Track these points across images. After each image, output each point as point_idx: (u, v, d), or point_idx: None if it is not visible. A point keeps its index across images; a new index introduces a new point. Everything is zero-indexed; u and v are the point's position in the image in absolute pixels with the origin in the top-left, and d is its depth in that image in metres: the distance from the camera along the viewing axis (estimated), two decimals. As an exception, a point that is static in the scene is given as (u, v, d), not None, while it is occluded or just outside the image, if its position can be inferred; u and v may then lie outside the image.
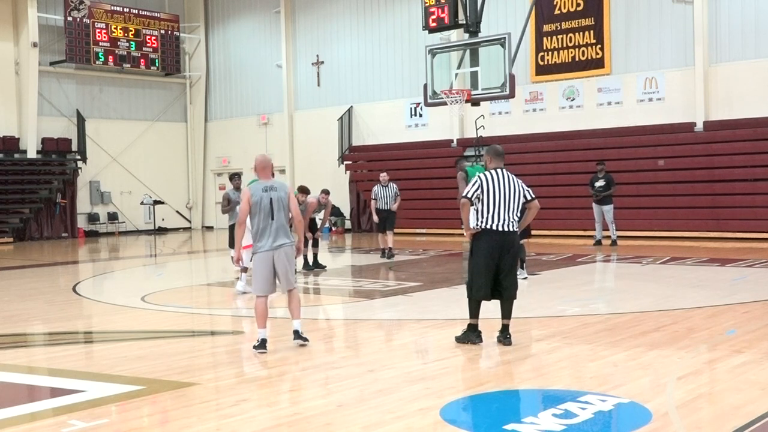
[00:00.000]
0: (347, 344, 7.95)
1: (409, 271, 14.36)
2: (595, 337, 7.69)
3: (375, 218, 16.07)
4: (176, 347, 8.01)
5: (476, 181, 7.43)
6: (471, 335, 7.44)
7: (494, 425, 5.09)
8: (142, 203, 28.15)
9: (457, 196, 11.17)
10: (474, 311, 7.49)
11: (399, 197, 16.10)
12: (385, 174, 16.38)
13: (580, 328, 8.15)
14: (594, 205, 17.91)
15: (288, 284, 7.52)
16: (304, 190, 13.71)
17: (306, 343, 7.49)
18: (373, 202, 16.16)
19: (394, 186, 16.12)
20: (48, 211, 26.19)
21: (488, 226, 7.35)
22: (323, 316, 9.76)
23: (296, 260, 7.85)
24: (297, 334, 7.50)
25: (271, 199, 7.35)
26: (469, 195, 7.38)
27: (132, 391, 6.09)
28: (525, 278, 11.63)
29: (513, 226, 7.43)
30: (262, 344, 7.30)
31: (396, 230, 17.31)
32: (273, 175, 7.77)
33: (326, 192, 14.78)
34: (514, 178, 7.51)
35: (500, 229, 7.35)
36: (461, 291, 8.99)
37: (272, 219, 7.35)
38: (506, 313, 7.48)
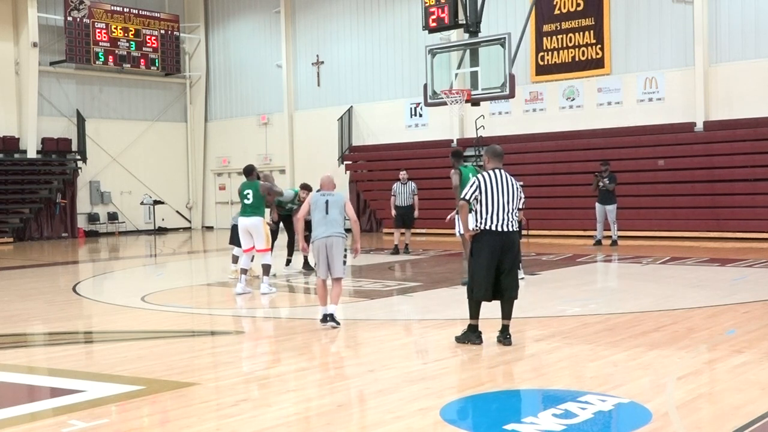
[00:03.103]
0: (347, 344, 7.95)
1: (409, 271, 14.37)
2: (595, 337, 7.69)
3: (393, 212, 17.29)
4: (176, 347, 8.02)
5: (474, 182, 7.42)
6: (471, 335, 7.44)
7: (494, 425, 5.09)
8: (142, 203, 28.11)
9: (455, 195, 11.22)
10: (474, 312, 7.49)
11: (416, 195, 17.18)
12: (404, 172, 17.51)
13: (580, 328, 8.15)
14: (597, 204, 17.84)
15: (333, 272, 8.54)
16: (306, 188, 13.68)
17: (336, 326, 8.34)
18: (392, 198, 17.35)
19: (413, 184, 17.25)
20: (48, 211, 26.18)
21: (488, 227, 7.35)
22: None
23: (347, 256, 9.04)
24: (331, 317, 8.40)
25: (327, 200, 8.68)
26: (467, 197, 7.38)
27: (132, 391, 6.09)
28: (522, 278, 11.60)
29: (513, 225, 7.43)
30: (323, 318, 8.42)
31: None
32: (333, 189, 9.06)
33: (305, 187, 13.73)
34: (512, 178, 7.51)
35: (500, 229, 7.35)
36: (461, 291, 9.00)
37: (326, 213, 8.62)
38: (506, 313, 7.48)
